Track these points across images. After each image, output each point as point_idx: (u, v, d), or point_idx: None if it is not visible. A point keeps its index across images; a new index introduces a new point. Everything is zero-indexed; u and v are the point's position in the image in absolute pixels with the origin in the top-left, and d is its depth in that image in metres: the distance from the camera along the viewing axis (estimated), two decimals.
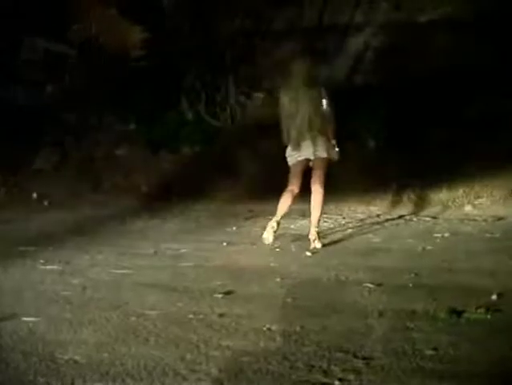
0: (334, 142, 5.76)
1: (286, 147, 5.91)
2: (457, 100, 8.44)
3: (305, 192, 5.82)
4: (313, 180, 5.75)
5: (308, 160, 5.80)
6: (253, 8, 10.39)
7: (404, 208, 7.86)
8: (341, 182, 7.77)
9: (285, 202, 5.80)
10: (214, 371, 2.64)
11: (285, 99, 5.85)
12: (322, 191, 5.68)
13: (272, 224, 5.78)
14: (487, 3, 8.84)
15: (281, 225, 5.95)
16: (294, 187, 5.81)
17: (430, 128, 8.33)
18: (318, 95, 5.74)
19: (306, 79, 5.81)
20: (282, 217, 5.83)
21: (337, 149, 5.77)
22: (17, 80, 12.41)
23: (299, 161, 5.80)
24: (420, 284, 4.10)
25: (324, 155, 5.73)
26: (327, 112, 5.73)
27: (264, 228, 5.88)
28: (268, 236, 5.75)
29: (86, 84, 12.29)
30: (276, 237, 5.80)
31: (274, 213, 5.83)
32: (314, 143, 5.70)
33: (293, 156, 5.82)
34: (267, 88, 9.81)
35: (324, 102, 5.72)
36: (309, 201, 5.75)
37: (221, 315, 3.45)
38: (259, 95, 10.12)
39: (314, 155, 5.72)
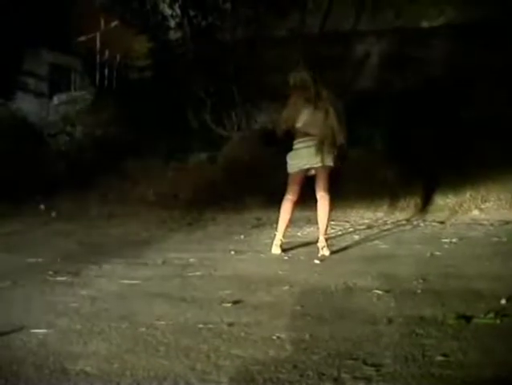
0: (337, 152, 5.67)
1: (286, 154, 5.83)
2: (462, 105, 8.45)
3: (310, 199, 5.81)
4: (318, 188, 5.68)
5: (309, 169, 5.73)
6: (256, 16, 10.45)
7: (411, 214, 7.86)
8: (347, 188, 7.78)
9: (285, 213, 5.76)
10: (225, 381, 2.64)
11: (295, 107, 5.70)
12: (328, 198, 5.64)
13: (277, 239, 5.80)
14: (487, 10, 8.86)
15: (288, 233, 5.96)
16: (293, 196, 5.74)
17: (435, 133, 8.32)
18: (331, 106, 5.64)
19: (319, 93, 5.67)
20: (285, 230, 5.83)
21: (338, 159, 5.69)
22: (22, 91, 12.51)
23: (302, 170, 5.73)
24: (429, 289, 4.10)
25: (330, 163, 5.66)
26: (338, 123, 5.64)
27: (271, 238, 5.90)
28: (276, 250, 5.78)
29: (91, 95, 12.38)
30: (283, 245, 5.83)
31: None
32: (322, 152, 5.60)
33: (296, 164, 5.72)
34: (273, 95, 9.83)
35: (336, 114, 5.63)
36: (315, 208, 5.74)
37: (230, 324, 3.45)
38: (265, 103, 10.15)
39: (321, 163, 5.62)
